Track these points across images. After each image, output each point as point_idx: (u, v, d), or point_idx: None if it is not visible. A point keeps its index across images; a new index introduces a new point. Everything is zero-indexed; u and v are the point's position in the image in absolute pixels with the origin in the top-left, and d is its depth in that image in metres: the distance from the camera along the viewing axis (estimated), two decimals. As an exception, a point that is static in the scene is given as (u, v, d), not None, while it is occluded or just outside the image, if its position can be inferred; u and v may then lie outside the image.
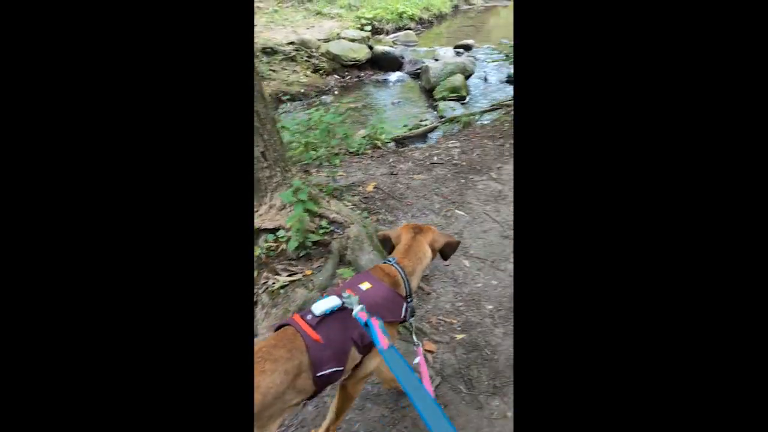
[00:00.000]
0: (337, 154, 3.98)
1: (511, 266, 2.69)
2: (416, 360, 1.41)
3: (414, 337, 1.47)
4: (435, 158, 4.10)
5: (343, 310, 1.28)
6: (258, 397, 1.07)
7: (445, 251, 1.61)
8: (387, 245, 1.64)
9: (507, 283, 2.55)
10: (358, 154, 4.28)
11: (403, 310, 1.43)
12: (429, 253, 1.58)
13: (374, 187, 3.55)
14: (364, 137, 4.51)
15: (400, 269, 1.47)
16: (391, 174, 3.82)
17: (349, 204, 3.22)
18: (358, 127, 5.50)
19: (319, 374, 1.21)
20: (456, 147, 4.33)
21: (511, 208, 3.24)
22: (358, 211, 3.09)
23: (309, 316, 1.25)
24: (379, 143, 4.45)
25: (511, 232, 2.99)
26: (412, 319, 1.49)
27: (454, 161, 4.01)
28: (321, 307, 1.26)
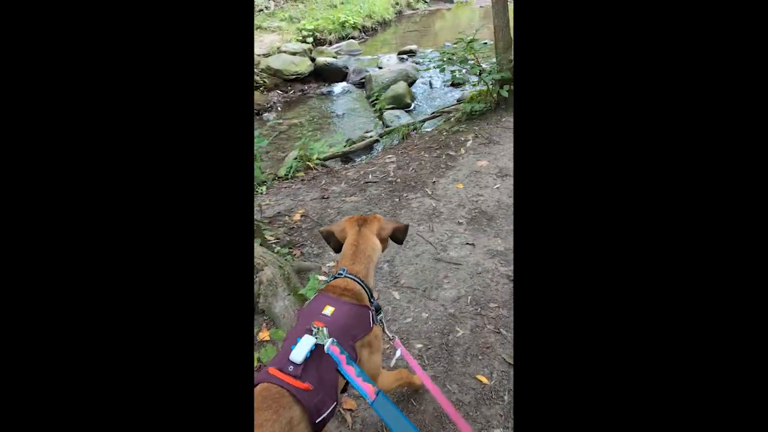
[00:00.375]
0: (264, 182, 3.70)
1: (443, 293, 2.50)
2: (397, 353, 1.39)
3: (386, 332, 1.41)
4: (370, 176, 3.88)
5: (318, 346, 1.20)
6: None
7: (396, 237, 1.52)
8: (331, 241, 1.52)
9: (438, 314, 2.36)
10: (288, 179, 4.02)
11: (371, 317, 1.35)
12: (378, 245, 1.49)
13: (302, 216, 3.30)
14: (295, 158, 4.25)
15: (354, 278, 1.38)
16: (322, 198, 3.58)
17: (271, 238, 2.96)
18: (291, 146, 5.22)
19: (318, 420, 1.12)
20: (392, 162, 4.14)
21: (445, 226, 3.06)
22: (278, 248, 2.82)
23: (290, 367, 1.15)
24: (311, 164, 4.20)
25: (444, 254, 2.80)
26: (380, 315, 1.41)
27: (390, 178, 3.81)
28: (300, 353, 1.15)
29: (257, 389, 1.10)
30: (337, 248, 1.52)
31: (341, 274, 1.38)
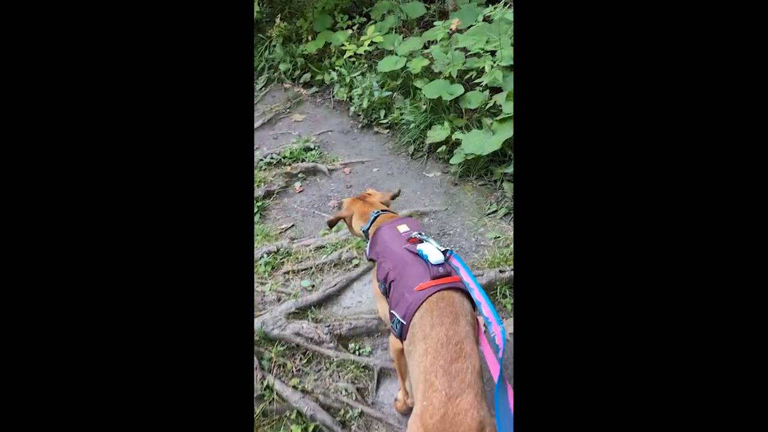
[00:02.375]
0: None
1: None
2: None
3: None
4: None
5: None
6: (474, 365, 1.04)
7: (394, 199, 1.71)
8: (334, 226, 1.73)
9: None
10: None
11: None
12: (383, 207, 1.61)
13: None
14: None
15: (387, 211, 1.56)
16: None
17: None
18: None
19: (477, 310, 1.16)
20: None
21: None
22: None
23: (440, 269, 1.19)
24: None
25: None
26: None
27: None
28: (436, 255, 1.21)
29: (432, 302, 1.13)
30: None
31: (378, 213, 1.50)
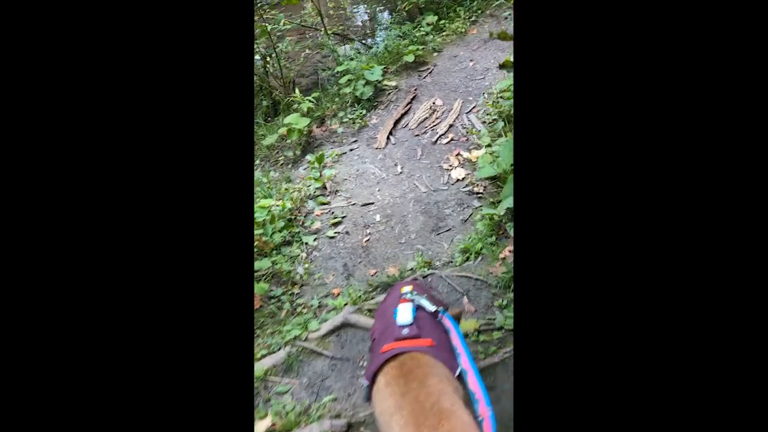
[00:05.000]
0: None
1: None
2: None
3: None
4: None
5: (420, 308, 1.20)
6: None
7: None
8: None
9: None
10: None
11: None
12: None
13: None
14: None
15: None
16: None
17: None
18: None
19: (456, 374, 1.04)
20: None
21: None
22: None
23: (405, 330, 1.10)
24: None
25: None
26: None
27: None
28: (406, 315, 1.14)
29: (395, 367, 1.00)
30: None
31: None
